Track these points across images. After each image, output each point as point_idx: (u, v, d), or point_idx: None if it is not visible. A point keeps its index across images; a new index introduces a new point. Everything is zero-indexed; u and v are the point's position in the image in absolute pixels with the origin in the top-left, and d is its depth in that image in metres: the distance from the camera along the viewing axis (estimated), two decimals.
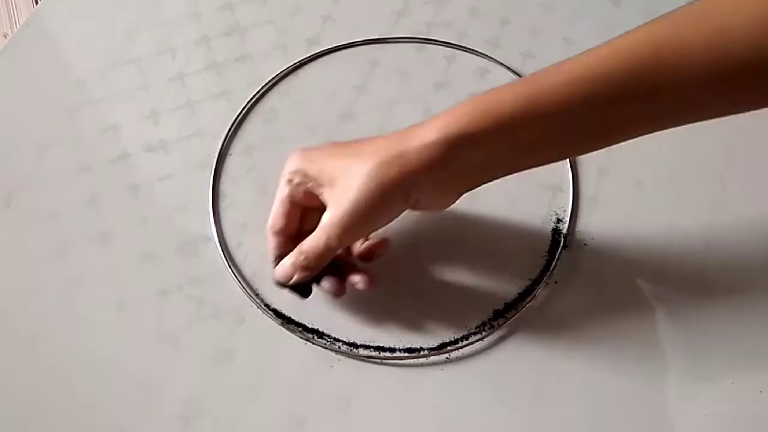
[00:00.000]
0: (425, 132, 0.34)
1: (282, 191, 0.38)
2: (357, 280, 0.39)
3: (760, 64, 0.32)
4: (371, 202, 0.35)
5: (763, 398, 0.38)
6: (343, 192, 0.35)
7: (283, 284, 0.38)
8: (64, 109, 0.48)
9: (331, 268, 0.39)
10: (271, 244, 0.39)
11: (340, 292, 0.39)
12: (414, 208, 0.37)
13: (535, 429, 0.38)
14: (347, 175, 0.35)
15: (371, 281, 0.39)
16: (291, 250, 0.38)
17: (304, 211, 0.39)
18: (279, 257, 0.39)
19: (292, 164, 0.37)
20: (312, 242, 0.37)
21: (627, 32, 0.33)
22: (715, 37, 0.32)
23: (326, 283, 0.39)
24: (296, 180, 0.37)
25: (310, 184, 0.37)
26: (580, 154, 0.36)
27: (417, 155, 0.34)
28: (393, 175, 0.34)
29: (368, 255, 0.40)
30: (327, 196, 0.36)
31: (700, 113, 0.35)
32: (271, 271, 0.39)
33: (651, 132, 0.35)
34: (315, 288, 0.39)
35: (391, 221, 0.38)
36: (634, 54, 0.33)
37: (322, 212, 0.37)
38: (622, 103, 0.33)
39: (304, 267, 0.37)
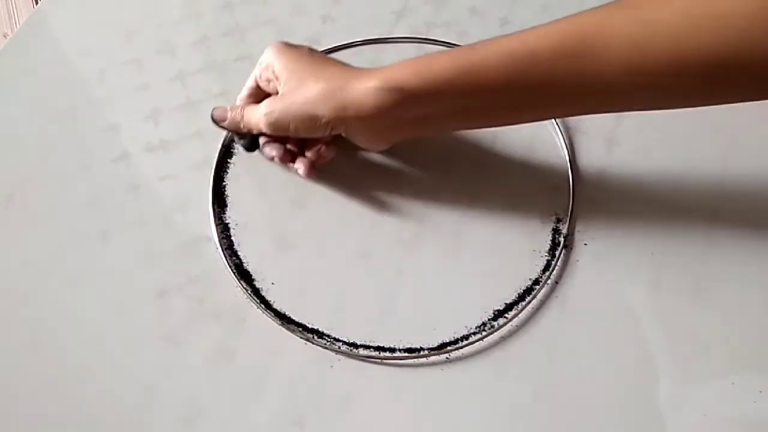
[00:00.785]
0: (368, 77, 0.38)
1: (254, 72, 0.43)
2: (298, 165, 0.43)
3: (680, 62, 0.33)
4: (300, 118, 0.39)
5: (763, 398, 0.38)
6: (287, 94, 0.40)
7: (217, 123, 0.44)
8: (64, 109, 0.48)
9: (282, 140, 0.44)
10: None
11: (280, 159, 0.44)
12: (342, 148, 0.43)
13: (534, 429, 0.38)
14: (296, 84, 0.40)
15: (310, 170, 0.43)
16: None
17: (267, 94, 0.43)
18: None
19: (267, 54, 0.42)
20: (249, 113, 0.42)
21: (564, 17, 0.35)
22: (640, 28, 0.33)
23: (269, 149, 0.44)
24: (263, 67, 0.42)
25: (270, 75, 0.41)
26: (508, 124, 0.40)
27: (353, 95, 0.38)
28: (328, 106, 0.38)
29: (314, 156, 0.44)
30: (279, 87, 0.41)
31: (624, 103, 0.37)
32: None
33: (581, 114, 0.38)
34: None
35: (314, 138, 0.42)
36: (562, 37, 0.35)
37: None
38: (547, 83, 0.35)
39: (236, 123, 0.43)
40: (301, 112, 0.39)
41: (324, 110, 0.39)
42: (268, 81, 0.42)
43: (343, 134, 0.41)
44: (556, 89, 0.36)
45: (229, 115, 0.43)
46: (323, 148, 0.43)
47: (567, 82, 0.35)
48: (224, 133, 0.47)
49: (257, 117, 0.41)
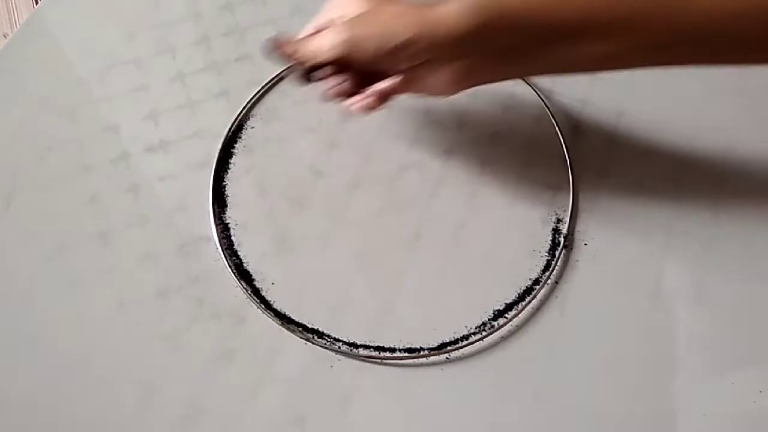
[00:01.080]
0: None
1: (320, 13, 0.40)
2: (353, 100, 0.40)
3: None
4: (381, 39, 0.36)
5: (763, 398, 0.38)
6: (368, 13, 0.37)
7: (272, 51, 0.41)
8: (64, 109, 0.48)
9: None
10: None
11: (338, 93, 0.40)
12: (415, 88, 0.38)
13: (534, 429, 0.38)
14: (376, 5, 0.37)
15: (367, 107, 0.39)
16: None
17: None
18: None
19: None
20: (319, 38, 0.38)
21: None
22: None
23: (327, 81, 0.39)
24: (333, 4, 0.39)
25: (341, 11, 0.39)
26: (592, 70, 0.37)
27: (444, 13, 0.34)
28: (415, 24, 0.35)
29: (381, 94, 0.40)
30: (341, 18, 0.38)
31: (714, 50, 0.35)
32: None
33: (663, 64, 0.35)
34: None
35: (391, 67, 0.38)
36: None
37: None
38: (633, 20, 0.33)
39: (299, 49, 0.40)
40: (383, 32, 0.35)
41: (410, 30, 0.35)
42: (340, 17, 0.39)
43: (418, 71, 0.37)
44: (640, 29, 0.33)
45: (295, 45, 0.40)
46: (387, 84, 0.39)
47: (653, 20, 0.33)
48: (224, 132, 0.47)
49: (330, 41, 0.37)
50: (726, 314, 0.41)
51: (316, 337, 0.40)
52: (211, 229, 0.43)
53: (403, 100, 0.49)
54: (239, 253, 0.43)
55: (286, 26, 0.52)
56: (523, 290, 0.41)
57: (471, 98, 0.48)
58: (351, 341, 0.40)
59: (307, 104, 0.49)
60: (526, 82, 0.48)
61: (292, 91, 0.49)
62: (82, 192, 0.44)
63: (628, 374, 0.39)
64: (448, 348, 0.40)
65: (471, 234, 0.43)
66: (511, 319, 0.40)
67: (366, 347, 0.40)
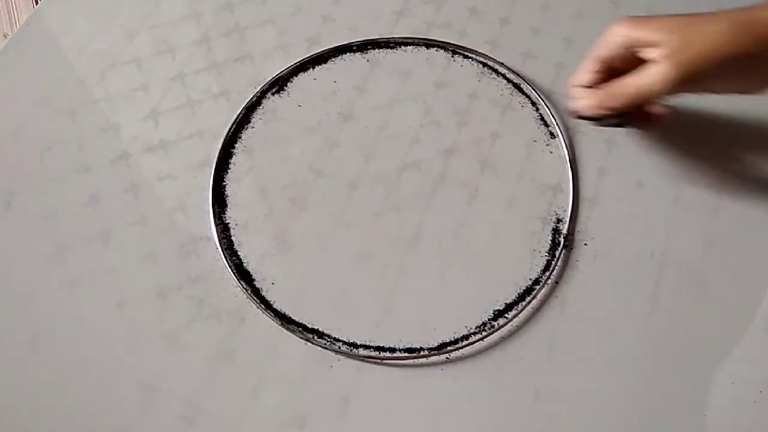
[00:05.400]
0: None
1: (599, 52, 0.39)
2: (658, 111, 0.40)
3: None
4: (714, 63, 0.34)
5: (763, 398, 0.38)
6: (680, 49, 0.35)
7: (583, 117, 0.41)
8: (64, 109, 0.48)
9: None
10: (574, 91, 0.42)
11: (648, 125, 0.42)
12: (749, 89, 0.37)
13: (534, 429, 0.38)
14: (689, 33, 0.34)
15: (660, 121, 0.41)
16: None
17: (612, 73, 0.40)
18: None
19: (617, 28, 0.38)
20: (628, 88, 0.37)
21: None
22: None
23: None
24: (618, 41, 0.37)
25: (632, 45, 0.37)
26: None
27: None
28: (747, 39, 0.33)
29: (651, 120, 0.41)
30: (653, 53, 0.36)
31: None
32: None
33: None
34: None
35: (721, 92, 0.37)
36: None
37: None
38: None
39: (608, 107, 0.39)
40: (712, 62, 0.34)
41: (741, 50, 0.33)
42: (624, 57, 0.38)
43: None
44: None
45: (597, 102, 0.39)
46: (659, 114, 0.39)
47: None
48: (224, 132, 0.47)
49: (647, 87, 0.36)
50: (726, 314, 0.41)
51: (316, 337, 0.40)
52: (211, 229, 0.43)
53: (404, 100, 0.49)
54: (239, 253, 0.43)
55: (286, 26, 0.52)
56: (523, 290, 0.41)
57: (471, 98, 0.48)
58: (351, 341, 0.40)
59: (307, 104, 0.49)
60: (526, 81, 0.48)
61: (292, 91, 0.49)
62: (82, 192, 0.44)
63: (628, 374, 0.39)
64: (448, 348, 0.40)
65: (471, 234, 0.43)
66: (511, 319, 0.40)
67: (366, 347, 0.40)
